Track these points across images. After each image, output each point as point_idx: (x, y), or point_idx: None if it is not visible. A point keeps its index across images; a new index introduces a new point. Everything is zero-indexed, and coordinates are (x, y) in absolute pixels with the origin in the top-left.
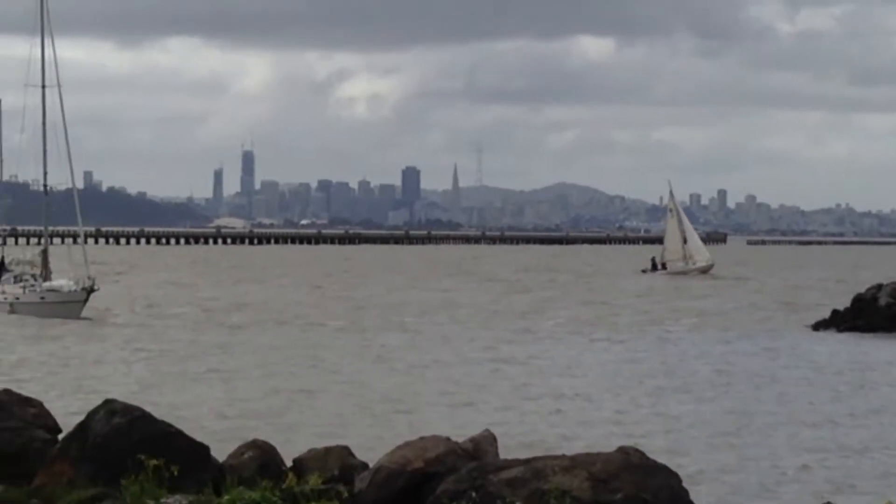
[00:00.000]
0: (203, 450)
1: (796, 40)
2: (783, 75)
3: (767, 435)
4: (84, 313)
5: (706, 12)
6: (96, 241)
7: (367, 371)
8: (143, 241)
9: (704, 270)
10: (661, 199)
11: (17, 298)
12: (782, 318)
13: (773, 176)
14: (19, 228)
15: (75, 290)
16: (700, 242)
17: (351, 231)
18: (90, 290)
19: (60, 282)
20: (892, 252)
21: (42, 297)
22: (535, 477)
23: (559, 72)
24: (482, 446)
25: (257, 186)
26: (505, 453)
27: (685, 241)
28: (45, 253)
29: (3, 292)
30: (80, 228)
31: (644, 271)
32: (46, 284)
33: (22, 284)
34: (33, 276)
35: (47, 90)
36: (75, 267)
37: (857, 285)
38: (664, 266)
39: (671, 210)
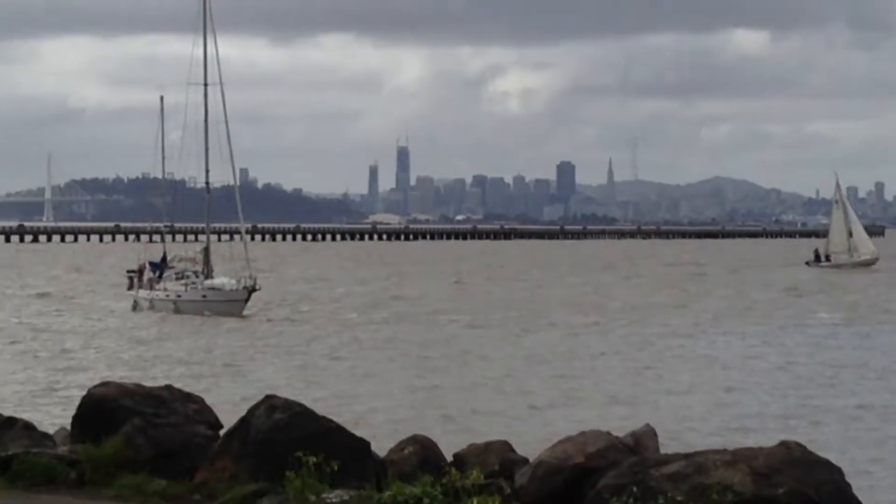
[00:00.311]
0: (363, 445)
1: None
2: None
3: None
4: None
5: (862, 4)
6: (252, 238)
7: (520, 367)
8: (298, 237)
9: (868, 263)
10: (818, 192)
11: (179, 296)
12: None
13: None
14: (176, 225)
15: (237, 289)
16: (865, 236)
17: (506, 226)
18: (252, 290)
19: (222, 280)
20: None
21: (204, 296)
22: (697, 471)
23: (713, 65)
24: (643, 441)
25: (412, 182)
26: (665, 448)
27: (850, 233)
28: (206, 250)
29: (166, 289)
30: (242, 226)
31: (808, 263)
32: (208, 282)
33: (183, 282)
34: (195, 273)
35: (208, 88)
36: (235, 266)
37: None
38: (828, 258)
39: (837, 202)
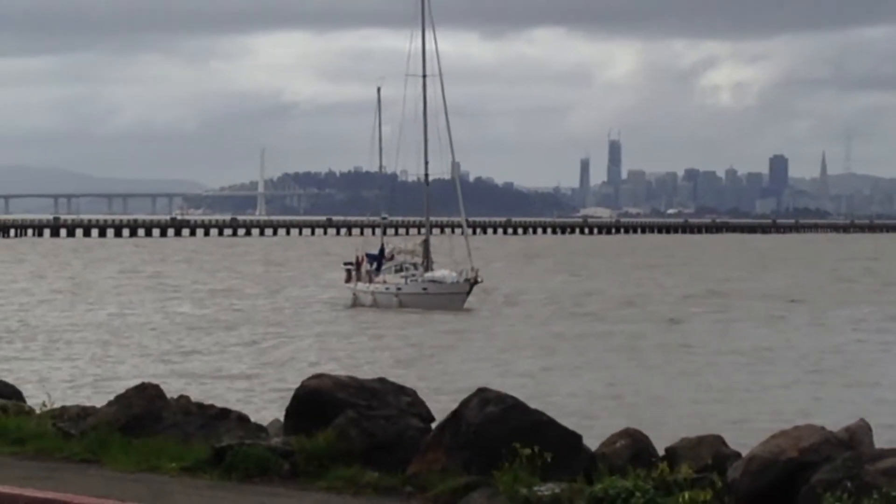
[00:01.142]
0: (575, 438)
1: None
2: None
3: None
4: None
5: None
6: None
7: (720, 363)
8: (510, 230)
9: None
10: None
11: (399, 289)
12: None
13: None
14: (392, 219)
15: (458, 282)
16: None
17: (718, 220)
18: (474, 282)
19: (443, 272)
20: None
21: (424, 288)
22: None
23: None
24: (857, 436)
25: (624, 176)
26: (880, 443)
27: None
28: (426, 243)
29: (385, 282)
30: (463, 218)
31: None
32: (428, 275)
33: (403, 275)
34: (414, 265)
35: (426, 80)
36: (457, 259)
37: None
38: None
39: None
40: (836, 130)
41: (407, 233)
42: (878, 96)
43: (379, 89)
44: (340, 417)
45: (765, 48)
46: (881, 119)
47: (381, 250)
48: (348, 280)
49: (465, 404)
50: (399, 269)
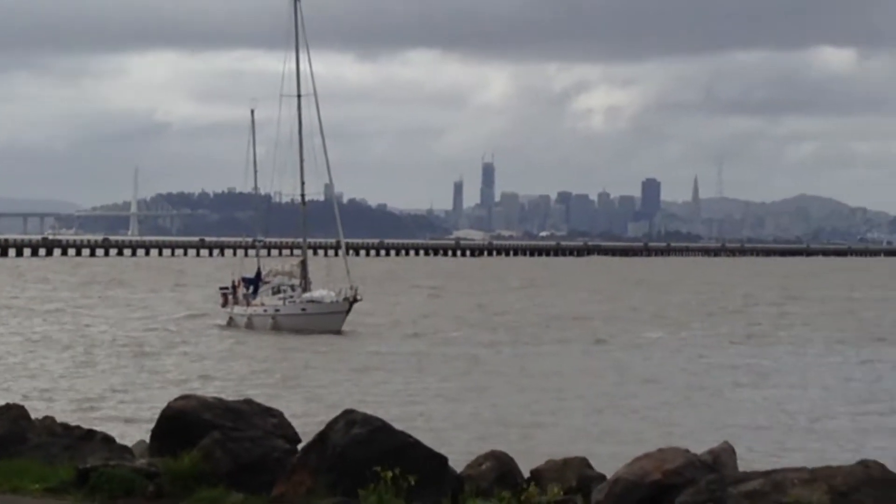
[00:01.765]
0: (441, 461)
1: None
2: None
3: None
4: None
5: None
6: (336, 253)
7: (589, 383)
8: (382, 252)
9: None
10: None
11: (278, 310)
12: None
13: None
14: (268, 240)
15: (337, 301)
16: None
17: (590, 243)
18: (353, 301)
19: (321, 292)
20: None
21: (303, 309)
22: (775, 489)
23: (799, 83)
24: (721, 458)
25: (497, 198)
26: (744, 466)
27: None
28: (303, 264)
29: (263, 304)
30: (341, 239)
31: None
32: (307, 295)
33: (281, 296)
34: (291, 286)
35: (301, 100)
36: (333, 278)
37: None
38: None
39: None
40: (707, 154)
41: (280, 254)
42: (748, 120)
43: (253, 111)
44: (206, 439)
45: (636, 72)
46: (752, 143)
47: (258, 273)
48: (225, 304)
49: (331, 426)
50: (276, 291)
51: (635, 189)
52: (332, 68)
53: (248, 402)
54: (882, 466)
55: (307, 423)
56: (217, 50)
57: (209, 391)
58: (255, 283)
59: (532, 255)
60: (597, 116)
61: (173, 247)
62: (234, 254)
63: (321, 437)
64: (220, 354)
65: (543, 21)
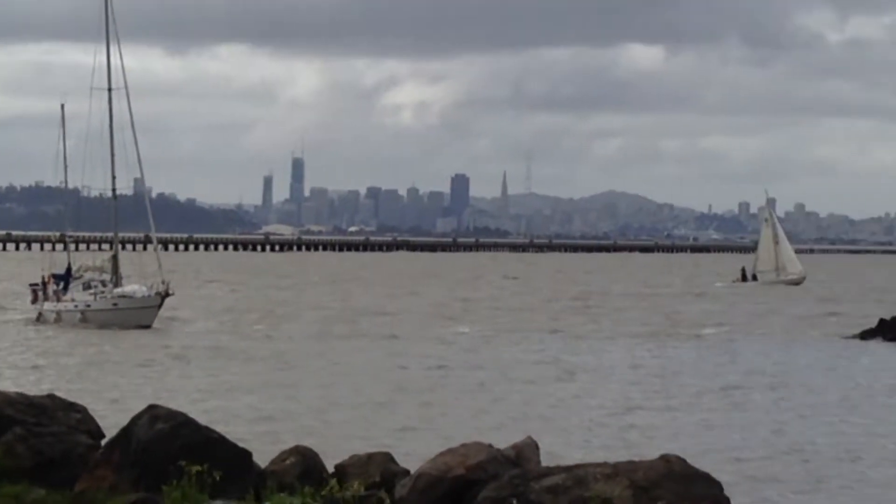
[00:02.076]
0: (245, 456)
1: (846, 49)
2: (832, 84)
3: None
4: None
5: (755, 21)
6: (144, 248)
7: (398, 379)
8: (191, 247)
9: (796, 282)
10: (710, 206)
11: (88, 306)
12: (831, 327)
13: (822, 185)
14: (78, 235)
15: (149, 296)
16: (793, 254)
17: (399, 238)
18: (165, 295)
19: (133, 287)
20: None
21: (115, 304)
22: (577, 484)
23: (607, 80)
24: (524, 453)
25: (307, 193)
26: (547, 461)
27: (778, 251)
28: (115, 258)
29: (73, 300)
30: (153, 234)
31: (734, 282)
32: (118, 290)
33: (92, 291)
34: (102, 281)
35: (112, 93)
36: (145, 273)
37: None
38: (755, 277)
39: (766, 220)
40: (517, 150)
41: (88, 248)
42: (557, 117)
43: (63, 105)
44: (8, 434)
45: (446, 68)
46: (560, 140)
47: (69, 269)
48: (35, 301)
49: (134, 421)
50: (87, 287)
51: (444, 185)
52: (143, 62)
53: (51, 397)
54: (682, 461)
55: (111, 418)
56: (24, 42)
57: (11, 387)
58: (65, 279)
59: (341, 250)
60: (406, 112)
61: None
62: (42, 248)
63: (125, 433)
64: (25, 350)
65: (353, 16)
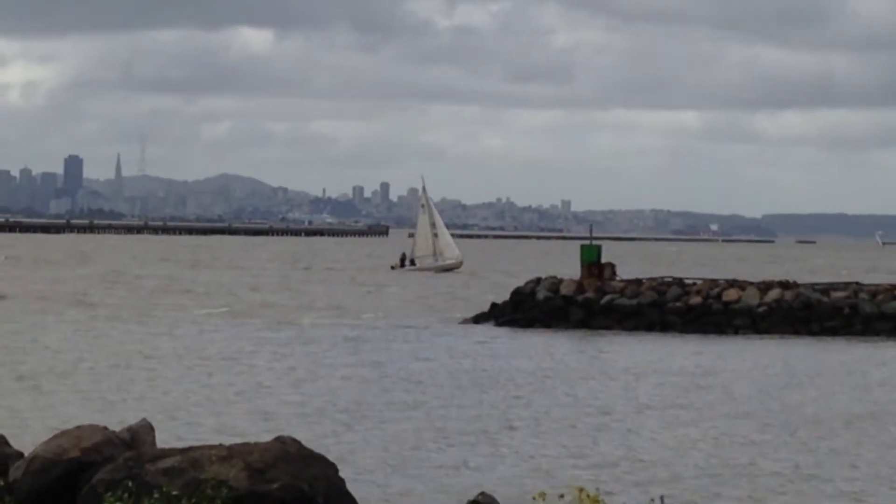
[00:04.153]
0: None
1: (453, 35)
2: (440, 70)
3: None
4: None
5: (365, 6)
6: None
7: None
8: None
9: (453, 267)
10: (324, 190)
11: None
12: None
13: (434, 170)
14: None
15: None
16: (451, 239)
17: (11, 220)
18: None
19: None
20: (551, 246)
21: None
22: (192, 466)
23: (217, 63)
24: (139, 435)
25: None
26: (164, 443)
27: (435, 236)
28: None
29: None
30: None
31: (393, 267)
32: None
33: None
34: None
35: None
36: None
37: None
38: (413, 262)
39: (423, 206)
40: (130, 132)
41: None
42: (166, 99)
43: None
44: None
45: (54, 48)
46: (170, 121)
47: None
48: None
49: None
50: None
51: (58, 166)
52: None
53: None
54: (298, 443)
55: None
56: None
57: None
58: None
59: None
60: (14, 92)
61: None
62: None
63: None
64: None
65: None
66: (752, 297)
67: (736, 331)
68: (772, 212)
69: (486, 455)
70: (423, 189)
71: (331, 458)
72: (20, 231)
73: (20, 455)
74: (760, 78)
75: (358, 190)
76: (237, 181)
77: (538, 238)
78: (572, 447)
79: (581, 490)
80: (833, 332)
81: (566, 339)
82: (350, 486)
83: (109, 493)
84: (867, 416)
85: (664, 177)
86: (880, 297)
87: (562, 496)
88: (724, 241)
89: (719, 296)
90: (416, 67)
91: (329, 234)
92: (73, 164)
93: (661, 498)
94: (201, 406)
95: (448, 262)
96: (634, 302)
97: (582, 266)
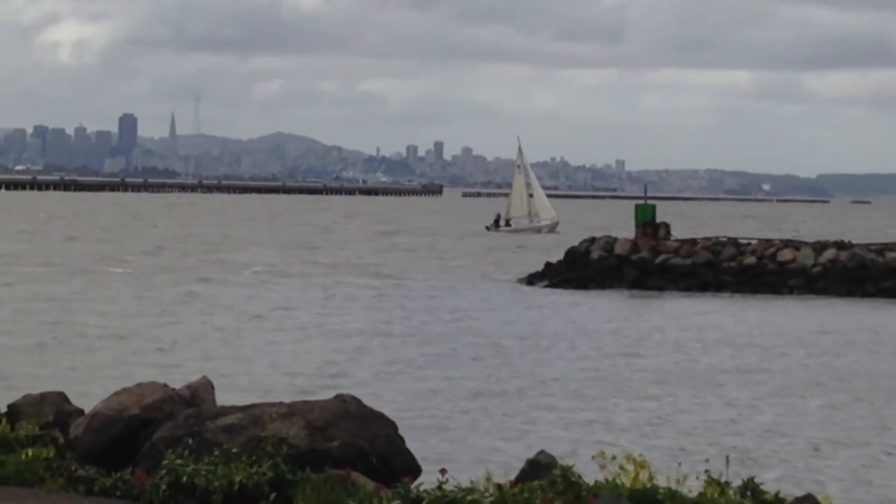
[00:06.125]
0: None
1: None
2: (491, 29)
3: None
4: None
5: None
6: None
7: (72, 319)
8: None
9: (550, 229)
10: (378, 150)
11: None
12: (499, 270)
13: (487, 129)
14: None
15: None
16: (546, 201)
17: (66, 178)
18: None
19: None
20: (607, 205)
21: None
22: (253, 424)
23: (268, 21)
24: (199, 393)
25: None
26: (223, 400)
27: (531, 196)
28: None
29: None
30: None
31: (487, 228)
32: None
33: None
34: None
35: None
36: None
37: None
38: (508, 223)
39: (519, 167)
40: (184, 91)
41: None
42: (217, 58)
43: None
44: None
45: (106, 7)
46: (224, 80)
47: None
48: None
49: None
50: None
51: (112, 124)
52: None
53: None
54: (358, 401)
55: None
56: None
57: None
58: None
59: (8, 188)
60: (65, 50)
61: None
62: None
63: None
64: None
65: None
66: (806, 258)
67: (790, 291)
68: (826, 172)
69: (547, 415)
70: (520, 150)
71: (390, 416)
72: (75, 189)
73: (81, 412)
74: (812, 37)
75: (412, 149)
76: (291, 140)
77: (593, 198)
78: (642, 410)
79: (629, 457)
80: (888, 292)
81: (621, 300)
82: (409, 445)
83: (170, 451)
84: None
85: (717, 136)
86: None
87: (613, 458)
88: (777, 200)
89: (774, 256)
90: (467, 26)
91: (384, 194)
92: (128, 122)
93: (727, 457)
94: (264, 362)
95: (544, 223)
96: (689, 262)
97: (636, 225)
